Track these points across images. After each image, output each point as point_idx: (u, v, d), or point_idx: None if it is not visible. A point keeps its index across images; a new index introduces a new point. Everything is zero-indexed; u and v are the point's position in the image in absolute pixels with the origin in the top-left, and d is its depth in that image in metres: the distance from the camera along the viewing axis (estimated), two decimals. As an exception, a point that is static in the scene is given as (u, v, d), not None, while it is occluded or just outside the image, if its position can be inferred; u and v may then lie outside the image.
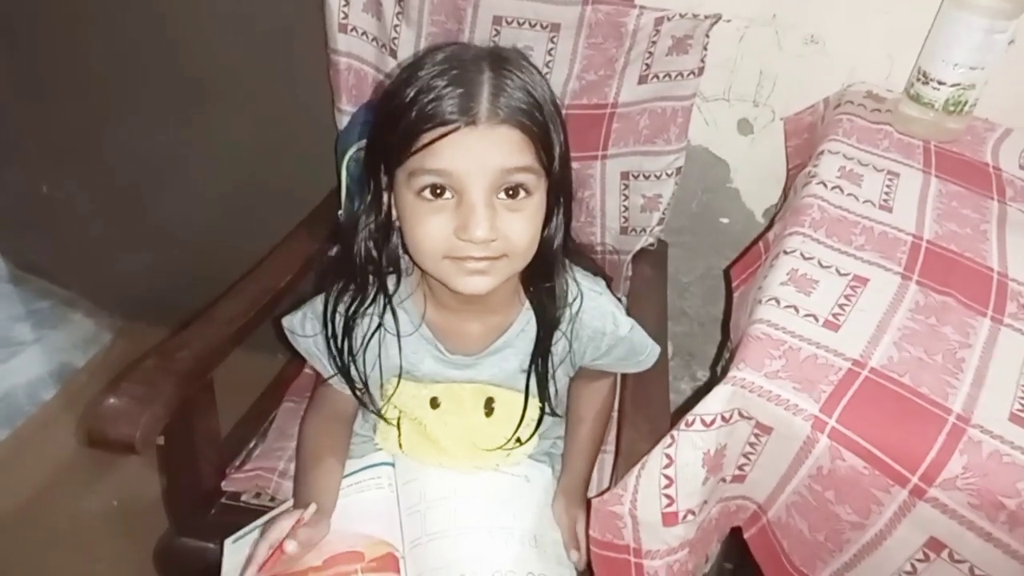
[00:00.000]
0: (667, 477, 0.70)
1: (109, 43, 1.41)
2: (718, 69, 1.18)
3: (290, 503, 0.91)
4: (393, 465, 0.95)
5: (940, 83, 1.01)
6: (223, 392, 0.95)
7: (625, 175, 1.19)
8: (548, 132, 0.76)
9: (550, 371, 0.89)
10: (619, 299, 0.95)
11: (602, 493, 0.75)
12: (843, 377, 0.68)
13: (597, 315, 0.88)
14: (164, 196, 1.59)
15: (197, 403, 0.90)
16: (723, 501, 0.79)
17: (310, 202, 1.23)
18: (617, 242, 1.23)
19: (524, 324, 0.88)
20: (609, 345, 0.90)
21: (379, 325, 0.87)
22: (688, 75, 1.13)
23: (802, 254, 0.81)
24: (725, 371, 0.70)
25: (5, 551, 1.37)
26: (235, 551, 0.88)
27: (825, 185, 0.91)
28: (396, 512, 0.90)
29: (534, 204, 0.76)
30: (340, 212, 1.16)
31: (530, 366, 0.88)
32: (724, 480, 0.75)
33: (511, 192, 0.74)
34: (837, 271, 0.79)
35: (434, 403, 0.91)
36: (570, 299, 0.87)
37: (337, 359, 0.88)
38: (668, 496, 0.71)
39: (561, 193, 0.81)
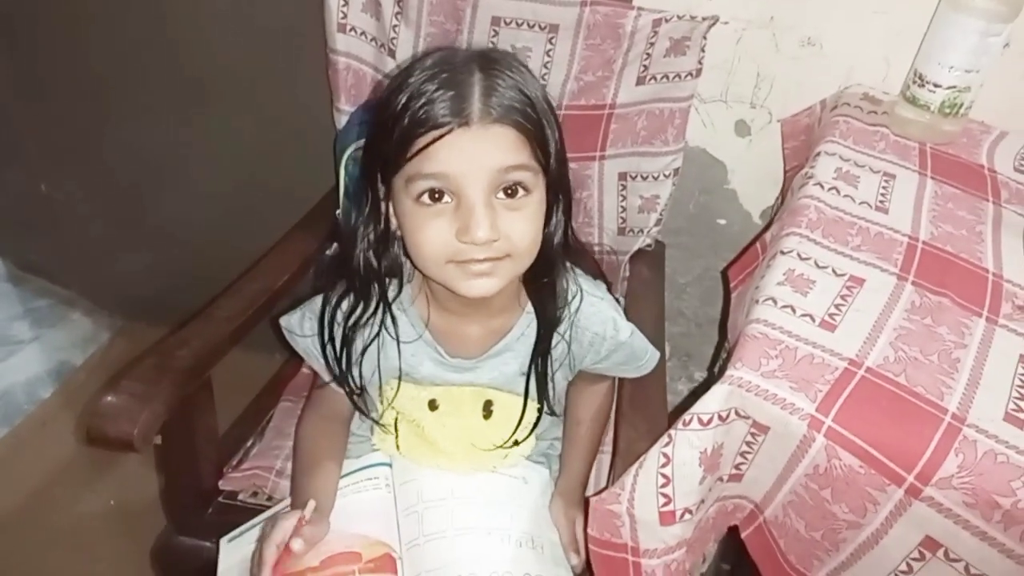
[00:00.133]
0: (664, 476, 0.70)
1: (109, 43, 1.42)
2: (716, 71, 1.18)
3: (287, 502, 0.91)
4: (390, 465, 0.95)
5: (936, 86, 1.01)
6: (220, 391, 0.95)
7: (623, 176, 1.20)
8: (543, 129, 0.76)
9: (549, 373, 0.89)
10: (618, 301, 0.95)
11: (600, 492, 0.75)
12: (839, 377, 0.68)
13: (597, 320, 0.88)
14: (163, 196, 1.59)
15: (196, 401, 0.90)
16: (720, 500, 0.79)
17: (309, 202, 1.23)
18: (615, 243, 1.24)
19: (524, 328, 0.88)
20: (609, 350, 0.90)
21: (378, 332, 0.87)
22: (686, 76, 1.13)
23: (799, 254, 0.82)
24: (722, 371, 0.70)
25: (3, 550, 1.37)
26: (231, 551, 0.89)
27: (822, 186, 0.92)
28: (393, 512, 0.90)
29: (534, 202, 0.76)
30: (338, 211, 1.16)
31: (530, 366, 0.88)
32: (721, 479, 0.75)
33: (510, 191, 0.74)
34: (833, 271, 0.80)
35: (432, 405, 0.91)
36: (569, 298, 0.87)
37: (336, 367, 0.88)
38: (665, 495, 0.71)
39: (560, 190, 0.82)
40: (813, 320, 0.74)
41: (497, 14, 1.14)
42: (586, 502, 0.78)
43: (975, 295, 0.79)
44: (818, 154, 0.99)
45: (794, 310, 0.75)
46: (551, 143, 0.78)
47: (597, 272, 0.97)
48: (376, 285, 0.86)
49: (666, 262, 1.27)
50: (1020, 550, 0.63)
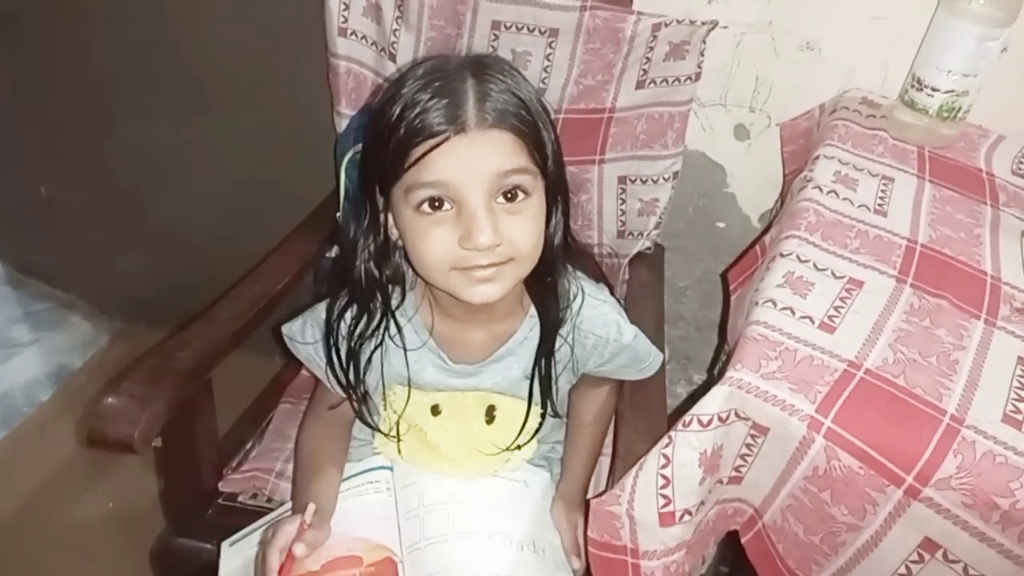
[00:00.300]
0: (664, 477, 0.70)
1: (109, 45, 1.42)
2: (715, 75, 1.19)
3: (288, 506, 0.91)
4: (392, 469, 0.95)
5: (934, 90, 1.02)
6: (220, 394, 0.95)
7: (622, 179, 1.20)
8: (539, 131, 0.76)
9: (553, 375, 0.89)
10: (620, 304, 0.95)
11: (600, 494, 0.75)
12: (839, 378, 0.68)
13: (600, 323, 0.88)
14: (163, 199, 1.59)
15: (196, 403, 0.90)
16: (720, 503, 0.79)
17: (309, 204, 1.24)
18: (614, 245, 1.24)
19: (527, 332, 0.88)
20: (612, 353, 0.90)
21: (381, 341, 0.87)
22: (685, 80, 1.13)
23: (798, 257, 0.82)
24: (722, 372, 0.70)
25: (3, 552, 1.37)
26: (232, 555, 0.89)
27: (821, 189, 0.92)
28: (394, 516, 0.90)
29: (534, 205, 0.77)
30: (338, 214, 1.16)
31: (533, 368, 0.88)
32: (721, 481, 0.76)
33: (509, 195, 0.74)
34: (833, 274, 0.80)
35: (435, 410, 0.91)
36: (571, 299, 0.87)
37: (342, 379, 0.88)
38: (665, 496, 0.71)
39: (558, 191, 0.82)
40: (812, 322, 0.74)
41: (497, 18, 1.15)
42: (586, 504, 0.78)
43: (973, 297, 0.79)
44: (817, 157, 0.99)
45: (793, 312, 0.75)
46: (548, 145, 0.78)
47: (599, 275, 0.97)
48: (379, 295, 0.86)
49: (665, 265, 1.27)
50: (1018, 550, 0.63)
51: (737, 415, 0.70)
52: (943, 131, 1.04)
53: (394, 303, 0.87)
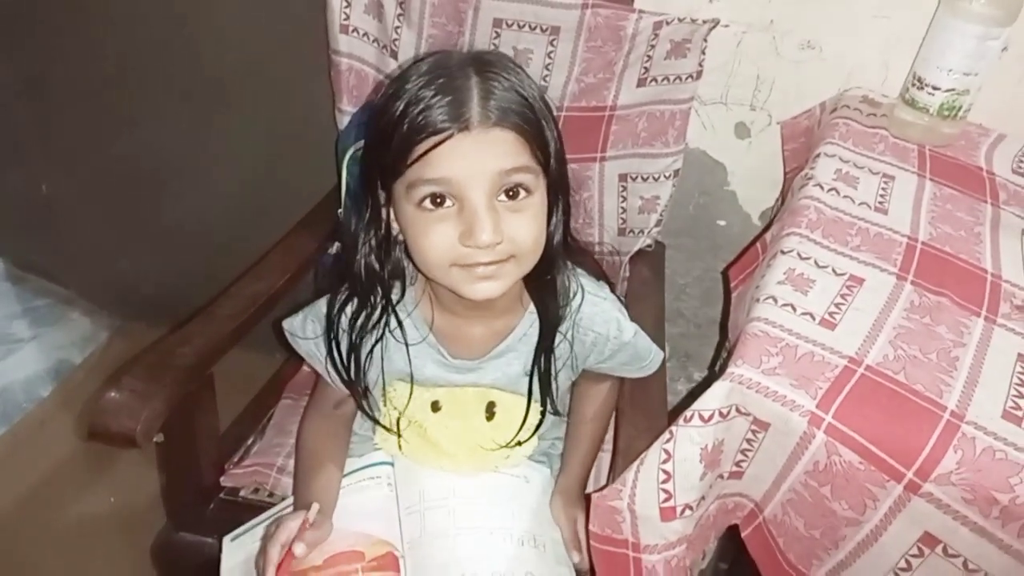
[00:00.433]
0: (665, 472, 0.71)
1: (110, 44, 1.42)
2: (716, 73, 1.19)
3: (289, 502, 0.91)
4: (392, 464, 0.95)
5: (935, 88, 1.02)
6: (221, 390, 0.95)
7: (623, 177, 1.20)
8: (541, 130, 0.76)
9: (552, 372, 0.89)
10: (621, 301, 0.96)
11: (602, 488, 0.76)
12: (839, 374, 0.69)
13: (600, 320, 0.89)
14: (163, 196, 1.59)
15: (197, 399, 0.90)
16: (721, 498, 0.79)
17: (310, 202, 1.24)
18: (615, 243, 1.24)
19: (527, 328, 0.89)
20: (612, 350, 0.90)
21: (382, 336, 0.87)
22: (686, 79, 1.14)
23: (799, 254, 0.82)
24: (723, 369, 0.71)
25: (2, 548, 1.37)
26: (234, 549, 0.89)
27: (822, 187, 0.92)
28: (395, 511, 0.90)
29: (535, 203, 0.77)
30: (340, 211, 1.16)
31: (533, 365, 0.88)
32: (722, 476, 0.76)
33: (511, 193, 0.74)
34: (833, 271, 0.80)
35: (435, 407, 0.92)
36: (570, 296, 0.87)
37: (343, 372, 0.88)
38: (666, 491, 0.71)
39: (559, 190, 0.82)
40: (813, 318, 0.74)
41: (499, 16, 1.15)
42: (588, 499, 0.78)
43: (974, 295, 0.80)
44: (818, 156, 1.00)
45: (794, 309, 0.75)
46: (550, 143, 0.78)
47: (599, 272, 0.97)
48: (379, 289, 0.86)
49: (666, 263, 1.27)
50: (1018, 545, 0.63)
51: (738, 410, 0.70)
52: (944, 130, 1.05)
53: (394, 298, 0.87)
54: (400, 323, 0.87)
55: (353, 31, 1.17)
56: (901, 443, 0.65)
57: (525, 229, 0.75)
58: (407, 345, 0.88)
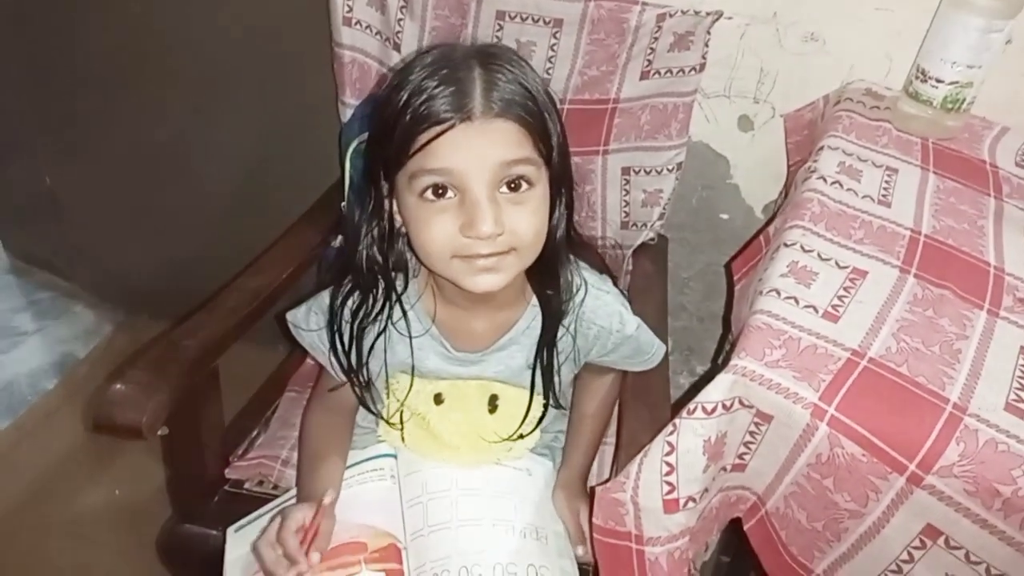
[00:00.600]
0: (668, 464, 0.71)
1: (113, 35, 1.42)
2: (719, 66, 1.19)
3: (292, 493, 0.92)
4: (395, 456, 0.95)
5: (938, 81, 1.02)
6: (225, 383, 0.95)
7: (626, 170, 1.20)
8: (544, 122, 0.76)
9: (555, 365, 0.89)
10: (624, 295, 0.96)
11: (605, 481, 0.76)
12: (842, 367, 0.69)
13: (603, 313, 0.89)
14: (167, 189, 1.59)
15: (202, 391, 0.90)
16: (723, 491, 0.80)
17: (313, 195, 1.24)
18: (618, 236, 1.24)
19: (530, 321, 0.89)
20: (615, 343, 0.90)
21: (385, 327, 0.87)
22: (689, 71, 1.14)
23: (802, 247, 0.82)
24: (726, 361, 0.71)
25: (7, 540, 1.38)
26: (238, 541, 0.89)
27: (825, 180, 0.92)
28: (398, 503, 0.90)
29: (537, 196, 0.77)
30: (343, 204, 1.16)
31: (535, 359, 0.88)
32: (725, 469, 0.76)
33: (513, 185, 0.75)
34: (836, 264, 0.81)
35: (438, 399, 0.92)
36: (573, 290, 0.87)
37: (345, 364, 0.89)
38: (669, 483, 0.71)
39: (562, 183, 0.82)
40: (816, 311, 0.74)
41: (502, 8, 1.15)
42: (591, 491, 0.78)
43: (977, 288, 0.80)
44: (821, 148, 1.00)
45: (797, 301, 0.75)
46: (553, 136, 0.78)
47: (602, 266, 0.97)
48: (382, 281, 0.86)
49: (668, 256, 1.27)
50: (1020, 537, 0.63)
51: (741, 403, 0.70)
52: (947, 122, 1.05)
53: (397, 290, 0.87)
54: (404, 315, 0.87)
55: (356, 24, 1.17)
56: (904, 435, 0.65)
57: (526, 222, 0.75)
58: (410, 337, 0.88)
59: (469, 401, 0.92)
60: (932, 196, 0.93)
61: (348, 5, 1.15)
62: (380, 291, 0.86)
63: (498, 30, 1.16)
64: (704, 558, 0.85)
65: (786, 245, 0.83)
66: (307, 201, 1.23)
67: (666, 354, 0.95)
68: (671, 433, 0.71)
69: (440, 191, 0.74)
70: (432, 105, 0.72)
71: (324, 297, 0.90)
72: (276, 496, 0.95)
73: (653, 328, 0.94)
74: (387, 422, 0.94)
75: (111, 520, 1.42)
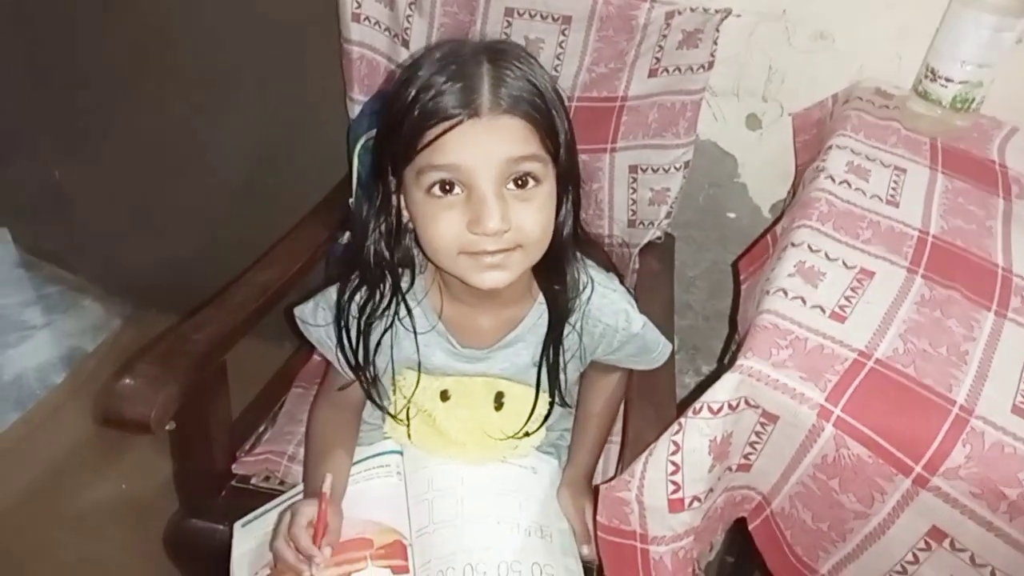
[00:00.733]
0: (674, 464, 0.71)
1: (123, 30, 1.43)
2: (727, 64, 1.18)
3: (299, 489, 0.92)
4: (402, 453, 0.95)
5: (948, 80, 1.01)
6: (232, 378, 0.96)
7: (633, 168, 1.20)
8: (552, 119, 0.76)
9: (561, 363, 0.89)
10: (630, 293, 0.96)
11: (610, 479, 0.76)
12: (849, 367, 0.69)
13: (609, 311, 0.89)
14: (175, 184, 1.60)
15: (210, 386, 0.91)
16: (729, 490, 0.80)
17: (321, 191, 1.24)
18: (625, 235, 1.24)
19: (536, 318, 0.89)
20: (621, 342, 0.90)
21: (391, 323, 0.88)
22: (698, 69, 1.13)
23: (809, 247, 0.82)
24: (733, 361, 0.71)
25: (15, 533, 1.38)
26: (245, 535, 0.90)
27: (833, 179, 0.92)
28: (404, 500, 0.91)
29: (544, 193, 0.77)
30: (351, 200, 1.17)
31: (541, 356, 0.88)
32: (730, 468, 0.76)
33: (520, 182, 0.75)
34: (844, 264, 0.80)
35: (444, 396, 0.92)
36: (580, 288, 0.87)
37: (351, 359, 0.89)
38: (675, 482, 0.71)
39: (569, 181, 0.82)
40: (823, 311, 0.74)
41: (511, 5, 1.15)
42: (596, 489, 0.78)
43: (984, 289, 0.79)
44: (830, 148, 0.99)
45: (804, 301, 0.75)
46: (561, 133, 0.78)
47: (609, 264, 0.97)
48: (389, 277, 0.86)
49: (675, 255, 1.27)
50: (1026, 540, 0.64)
51: (747, 403, 0.70)
52: (956, 122, 1.04)
53: (404, 286, 0.87)
54: (409, 311, 0.88)
55: (365, 19, 1.17)
56: (910, 437, 0.65)
57: (533, 218, 0.75)
58: (416, 333, 0.88)
59: (475, 398, 0.92)
60: (940, 196, 0.93)
61: (357, 1, 1.15)
62: (387, 287, 0.87)
63: (507, 27, 1.16)
64: (708, 558, 0.85)
65: (793, 244, 0.83)
66: (315, 196, 1.23)
67: (672, 353, 0.95)
68: (677, 432, 0.71)
69: (447, 187, 0.74)
70: (440, 101, 0.72)
71: (331, 292, 0.90)
72: (283, 492, 0.95)
73: (659, 327, 0.93)
74: (394, 418, 0.94)
75: (118, 514, 1.43)
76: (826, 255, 0.81)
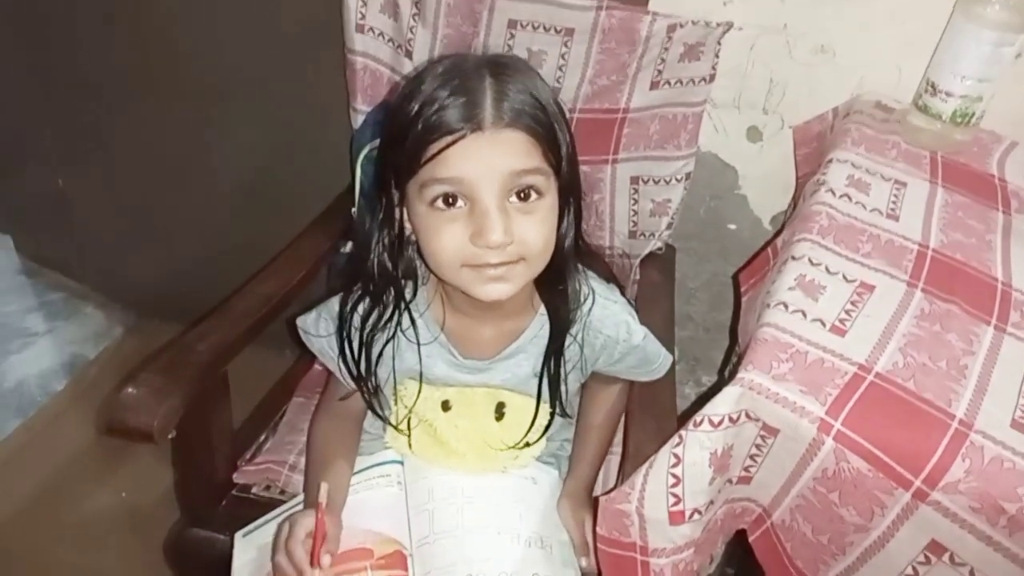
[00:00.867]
0: (674, 476, 0.71)
1: (127, 40, 1.43)
2: (729, 76, 1.19)
3: (300, 499, 0.92)
4: (402, 463, 0.95)
5: (948, 95, 1.02)
6: (233, 388, 0.96)
7: (635, 180, 1.20)
8: (554, 132, 0.77)
9: (562, 374, 0.89)
10: (631, 304, 0.96)
11: (610, 491, 0.76)
12: (849, 381, 0.69)
13: (610, 322, 0.89)
14: (179, 193, 1.60)
15: (212, 395, 0.91)
16: (729, 503, 0.80)
17: (324, 200, 1.24)
18: (626, 246, 1.24)
19: (537, 330, 0.89)
20: (622, 353, 0.91)
21: (394, 334, 0.88)
22: (699, 82, 1.14)
23: (810, 260, 0.82)
24: (733, 374, 0.71)
25: (15, 541, 1.38)
26: (246, 545, 0.90)
27: (833, 193, 0.93)
28: (404, 510, 0.91)
29: (546, 205, 0.77)
30: (354, 210, 1.17)
31: (542, 367, 0.88)
32: (730, 481, 0.76)
33: (522, 195, 0.75)
34: (844, 277, 0.81)
35: (445, 406, 0.92)
36: (581, 300, 0.88)
37: (353, 369, 0.89)
38: (675, 495, 0.72)
39: (571, 193, 0.82)
40: (823, 325, 0.74)
41: (514, 17, 1.15)
42: (596, 501, 0.79)
43: (984, 303, 0.80)
44: (830, 161, 1.00)
45: (805, 315, 0.75)
46: (562, 146, 0.78)
47: (610, 275, 0.97)
48: (392, 289, 0.87)
49: (676, 266, 1.27)
50: (1025, 555, 0.64)
51: (748, 416, 0.70)
52: (956, 136, 1.05)
53: (406, 298, 0.88)
54: (412, 322, 0.88)
55: (369, 30, 1.17)
56: (910, 451, 0.65)
57: (535, 231, 0.76)
58: (419, 344, 0.88)
59: (476, 408, 0.92)
60: (940, 210, 0.93)
61: (361, 12, 1.16)
62: (390, 298, 0.87)
63: (510, 39, 1.17)
64: (709, 570, 0.85)
65: (794, 258, 0.83)
66: (318, 206, 1.23)
67: (673, 364, 0.95)
68: (677, 445, 0.71)
69: (450, 200, 0.74)
70: (443, 115, 0.72)
71: (334, 303, 0.90)
72: (283, 501, 0.95)
73: (660, 338, 0.94)
74: (395, 428, 0.94)
75: (119, 523, 1.42)
76: (826, 268, 0.82)
